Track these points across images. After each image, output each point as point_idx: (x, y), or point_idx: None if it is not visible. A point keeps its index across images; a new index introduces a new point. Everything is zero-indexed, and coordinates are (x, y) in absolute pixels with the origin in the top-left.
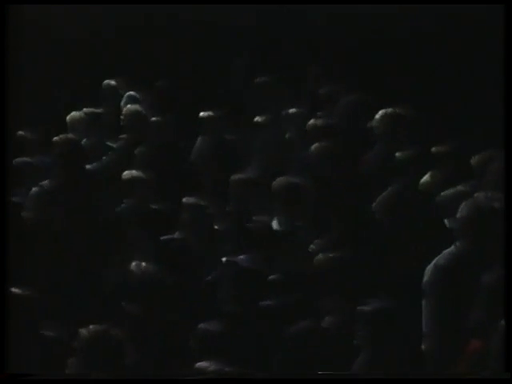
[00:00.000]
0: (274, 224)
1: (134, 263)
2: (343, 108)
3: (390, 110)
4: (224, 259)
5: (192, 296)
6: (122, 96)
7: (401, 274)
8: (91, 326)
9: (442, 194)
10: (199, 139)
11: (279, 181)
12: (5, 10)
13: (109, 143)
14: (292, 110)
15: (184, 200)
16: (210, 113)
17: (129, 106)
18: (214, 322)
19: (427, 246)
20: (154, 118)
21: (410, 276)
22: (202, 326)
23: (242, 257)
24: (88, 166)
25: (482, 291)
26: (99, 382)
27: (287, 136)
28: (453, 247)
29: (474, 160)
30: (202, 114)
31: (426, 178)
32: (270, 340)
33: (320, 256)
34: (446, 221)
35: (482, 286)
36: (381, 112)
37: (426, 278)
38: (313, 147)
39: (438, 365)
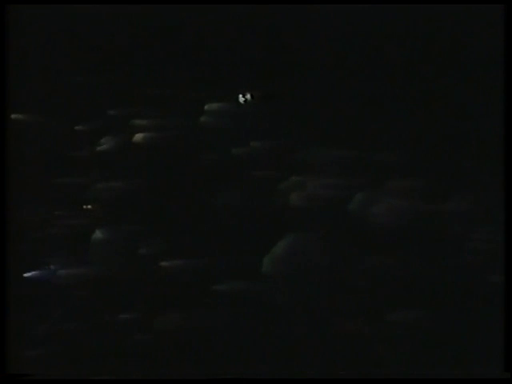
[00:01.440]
0: (98, 232)
1: None
2: (173, 106)
3: (218, 104)
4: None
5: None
6: None
7: (254, 267)
8: None
9: (282, 185)
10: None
11: (100, 186)
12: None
13: None
14: (115, 112)
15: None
16: (20, 115)
17: None
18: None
19: (275, 237)
20: None
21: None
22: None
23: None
24: None
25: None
26: (99, 382)
27: (114, 140)
28: (288, 238)
29: (300, 154)
30: (13, 115)
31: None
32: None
33: (163, 263)
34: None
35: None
36: (207, 107)
37: (265, 268)
38: (140, 148)
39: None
